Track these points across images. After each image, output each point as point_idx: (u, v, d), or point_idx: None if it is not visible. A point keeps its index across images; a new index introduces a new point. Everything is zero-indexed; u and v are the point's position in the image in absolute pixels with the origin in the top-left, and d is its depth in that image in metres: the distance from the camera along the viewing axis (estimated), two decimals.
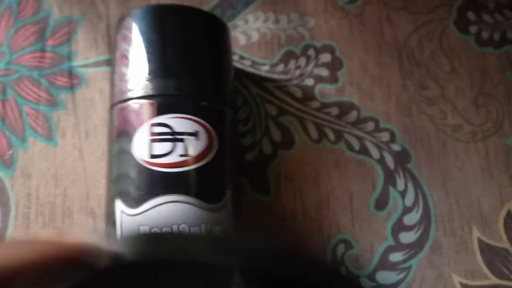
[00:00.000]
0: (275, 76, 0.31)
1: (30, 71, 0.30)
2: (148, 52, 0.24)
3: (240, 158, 0.29)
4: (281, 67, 0.31)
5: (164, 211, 0.21)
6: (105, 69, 0.31)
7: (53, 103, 0.30)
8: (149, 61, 0.23)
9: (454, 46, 0.32)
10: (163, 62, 0.24)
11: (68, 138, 0.29)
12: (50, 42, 0.31)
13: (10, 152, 0.29)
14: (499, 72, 0.32)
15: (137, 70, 0.23)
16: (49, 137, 0.29)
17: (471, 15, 0.33)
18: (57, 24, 0.32)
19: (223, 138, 0.23)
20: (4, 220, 0.27)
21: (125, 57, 0.24)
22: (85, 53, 0.31)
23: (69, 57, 0.31)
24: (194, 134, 0.22)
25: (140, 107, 0.23)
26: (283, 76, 0.31)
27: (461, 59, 0.32)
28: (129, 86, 0.24)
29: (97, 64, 0.31)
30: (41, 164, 0.29)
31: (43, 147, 0.29)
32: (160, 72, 0.23)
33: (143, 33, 0.24)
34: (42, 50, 0.31)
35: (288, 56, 0.31)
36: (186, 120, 0.22)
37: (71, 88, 0.30)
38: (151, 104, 0.23)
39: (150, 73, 0.23)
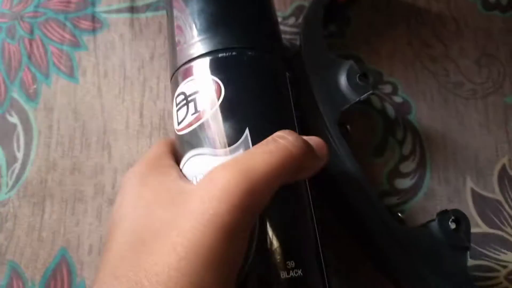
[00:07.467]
0: (286, 28, 0.32)
1: (56, 14, 0.32)
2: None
3: None
4: (292, 20, 0.33)
5: (193, 163, 0.22)
6: (126, 15, 0.32)
7: (76, 44, 0.32)
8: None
9: (461, 8, 0.33)
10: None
11: (88, 77, 0.31)
12: None
13: (34, 86, 0.31)
14: (503, 35, 0.33)
15: None
16: (71, 74, 0.31)
17: None
18: None
19: (231, 83, 0.23)
20: (27, 148, 0.30)
21: None
22: (108, 0, 0.33)
23: (93, 3, 0.33)
24: (197, 92, 0.23)
25: None
26: (294, 29, 0.32)
27: (467, 21, 0.33)
28: None
29: (118, 11, 0.33)
30: (63, 99, 0.31)
31: (65, 83, 0.31)
32: None
33: None
34: None
35: (299, 10, 0.33)
36: (191, 82, 0.23)
37: (93, 31, 0.32)
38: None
39: None
